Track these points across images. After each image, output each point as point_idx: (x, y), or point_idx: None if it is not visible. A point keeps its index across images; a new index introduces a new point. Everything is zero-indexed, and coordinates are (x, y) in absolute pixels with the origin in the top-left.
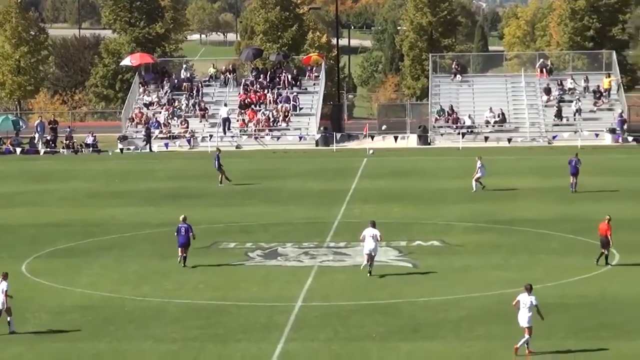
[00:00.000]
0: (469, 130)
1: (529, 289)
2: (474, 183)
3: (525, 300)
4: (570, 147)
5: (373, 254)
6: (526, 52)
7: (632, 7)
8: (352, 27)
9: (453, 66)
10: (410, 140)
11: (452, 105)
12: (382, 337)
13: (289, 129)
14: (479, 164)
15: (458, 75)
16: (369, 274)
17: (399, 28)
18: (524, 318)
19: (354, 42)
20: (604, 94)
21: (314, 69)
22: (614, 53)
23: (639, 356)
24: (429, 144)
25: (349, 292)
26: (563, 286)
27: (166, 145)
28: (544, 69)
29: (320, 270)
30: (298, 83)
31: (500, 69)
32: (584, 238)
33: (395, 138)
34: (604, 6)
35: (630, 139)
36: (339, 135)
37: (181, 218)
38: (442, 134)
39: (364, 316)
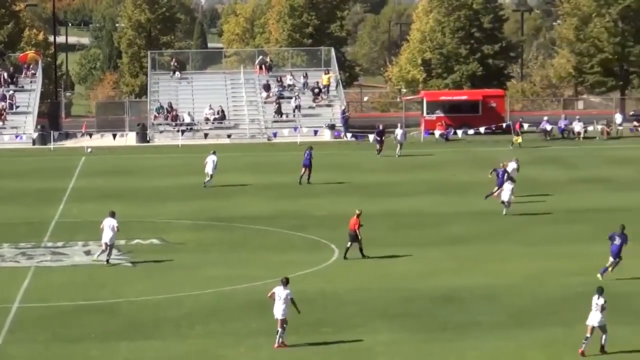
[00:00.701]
0: (189, 127)
1: (285, 283)
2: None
3: (280, 293)
4: (290, 144)
5: (110, 244)
6: (245, 49)
7: (349, 4)
8: (70, 25)
9: (172, 63)
10: (129, 138)
11: (171, 103)
12: (102, 337)
13: (5, 128)
14: (208, 158)
15: (177, 73)
16: (106, 263)
17: (117, 25)
18: (278, 310)
19: (72, 40)
20: (323, 90)
21: (31, 66)
22: (332, 50)
23: (359, 350)
24: (148, 141)
25: (67, 293)
26: None
27: None
28: (263, 66)
29: (37, 270)
30: (14, 81)
31: (219, 66)
32: (303, 234)
33: (114, 136)
34: (323, 3)
35: (349, 135)
36: (56, 133)
37: None
38: (161, 132)
39: (83, 316)
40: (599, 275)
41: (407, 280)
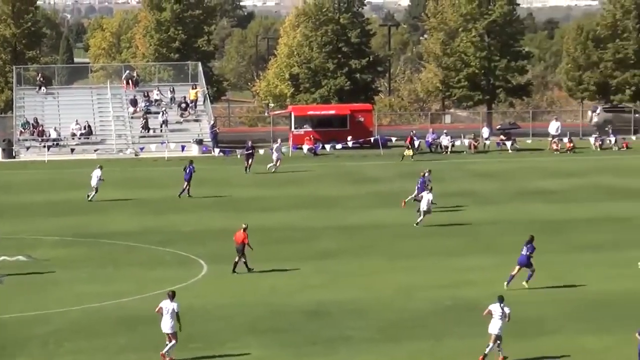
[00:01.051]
0: (55, 143)
1: (172, 296)
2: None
3: (167, 306)
4: (158, 159)
5: None
6: (112, 63)
7: (216, 19)
8: None
9: (38, 78)
10: None
11: (37, 118)
12: None
13: None
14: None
15: (43, 88)
16: None
17: None
18: (166, 325)
19: None
20: (190, 105)
21: None
22: (199, 64)
23: None
24: (14, 157)
25: None
26: (152, 298)
27: None
28: (130, 81)
29: None
30: None
31: (86, 81)
32: (171, 249)
33: None
34: (189, 18)
35: (217, 150)
36: None
37: None
38: (27, 147)
39: None
40: (505, 285)
41: (276, 295)
